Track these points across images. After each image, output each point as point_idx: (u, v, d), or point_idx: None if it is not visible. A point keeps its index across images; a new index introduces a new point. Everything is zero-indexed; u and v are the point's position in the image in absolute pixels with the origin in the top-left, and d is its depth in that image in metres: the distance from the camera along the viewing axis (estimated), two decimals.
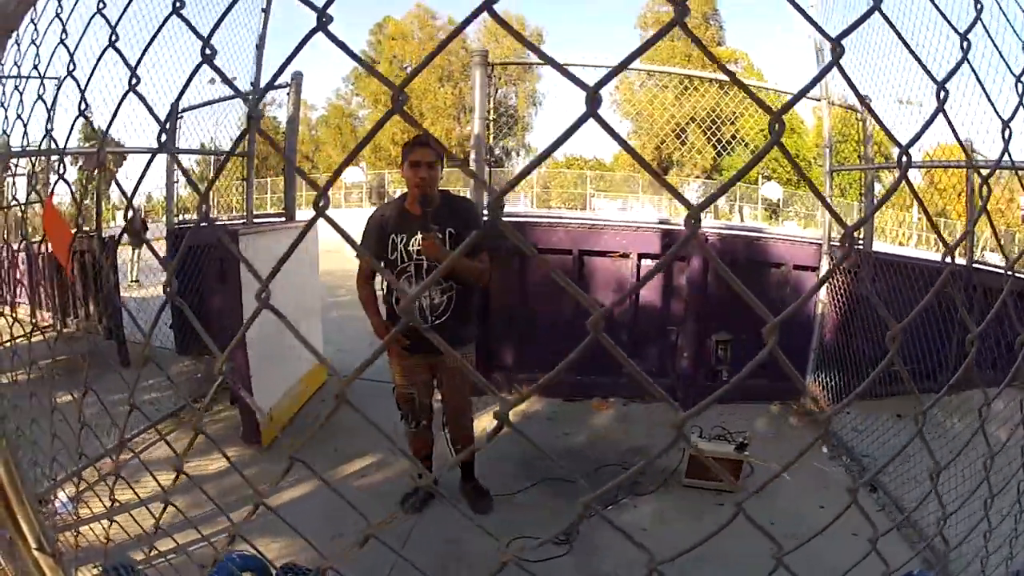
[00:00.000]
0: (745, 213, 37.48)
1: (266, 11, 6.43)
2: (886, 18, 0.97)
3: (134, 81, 1.19)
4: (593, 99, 0.73)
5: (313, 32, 0.79)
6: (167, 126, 6.42)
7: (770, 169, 33.80)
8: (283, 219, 7.05)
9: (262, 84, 6.68)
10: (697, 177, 40.99)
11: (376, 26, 45.60)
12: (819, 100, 6.94)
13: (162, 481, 1.44)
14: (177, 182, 6.83)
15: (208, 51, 0.96)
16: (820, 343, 7.05)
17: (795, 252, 7.18)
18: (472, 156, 6.50)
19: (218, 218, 7.00)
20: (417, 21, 45.03)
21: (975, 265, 6.35)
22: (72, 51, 1.61)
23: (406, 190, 4.08)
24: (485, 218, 4.09)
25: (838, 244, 6.80)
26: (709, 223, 7.69)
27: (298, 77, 6.68)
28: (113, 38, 1.30)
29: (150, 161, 1.31)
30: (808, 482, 5.02)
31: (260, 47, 6.46)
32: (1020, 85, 1.23)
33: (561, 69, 0.78)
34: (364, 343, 6.03)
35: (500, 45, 46.99)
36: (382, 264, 4.01)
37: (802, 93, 0.93)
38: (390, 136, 43.15)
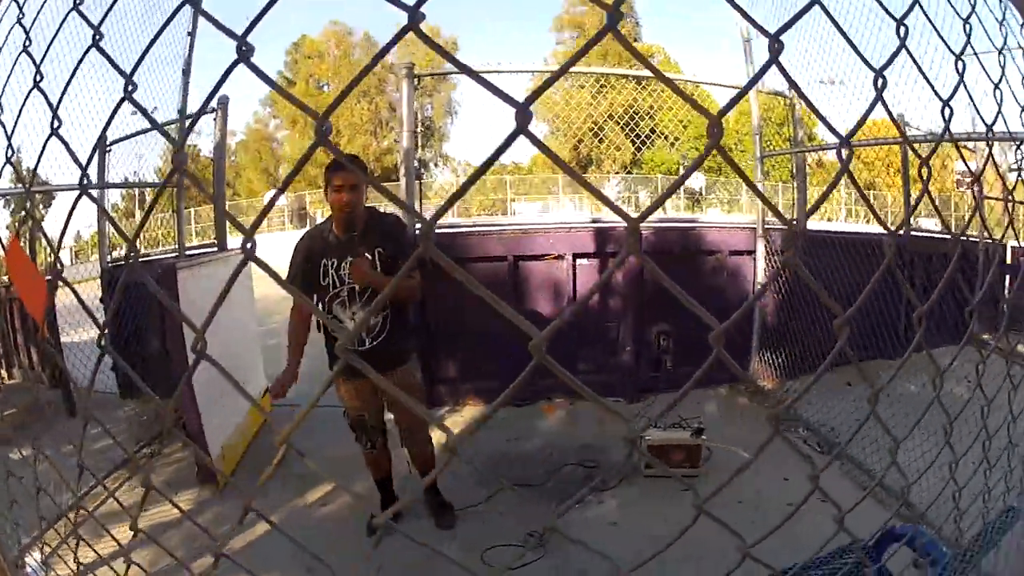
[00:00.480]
0: (667, 204, 37.79)
1: (192, 34, 6.21)
2: (827, 12, 0.98)
3: (56, 124, 1.17)
4: (524, 115, 0.73)
5: (235, 64, 0.79)
6: (93, 160, 6.20)
7: (691, 158, 34.25)
8: (215, 249, 6.81)
9: (189, 110, 6.45)
10: (616, 173, 41.46)
11: (293, 45, 45.00)
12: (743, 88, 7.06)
13: (125, 534, 1.38)
14: (108, 218, 6.60)
15: (130, 87, 0.96)
16: (763, 324, 7.21)
17: (729, 238, 7.34)
18: (402, 171, 6.42)
19: (149, 253, 6.75)
20: (334, 38, 44.65)
21: (913, 234, 6.57)
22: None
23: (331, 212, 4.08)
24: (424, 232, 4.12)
25: (774, 228, 6.96)
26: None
27: (224, 101, 6.46)
28: (38, 78, 1.25)
29: (76, 201, 1.30)
30: (768, 457, 5.05)
31: (187, 72, 6.26)
32: (960, 63, 1.26)
33: (490, 86, 0.79)
34: (306, 369, 6.01)
35: (415, 56, 47.10)
36: (314, 289, 4.00)
37: (739, 96, 0.93)
38: (311, 157, 42.83)
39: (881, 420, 1.17)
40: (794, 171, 7.25)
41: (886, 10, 1.27)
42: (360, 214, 3.97)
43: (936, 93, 1.25)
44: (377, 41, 44.96)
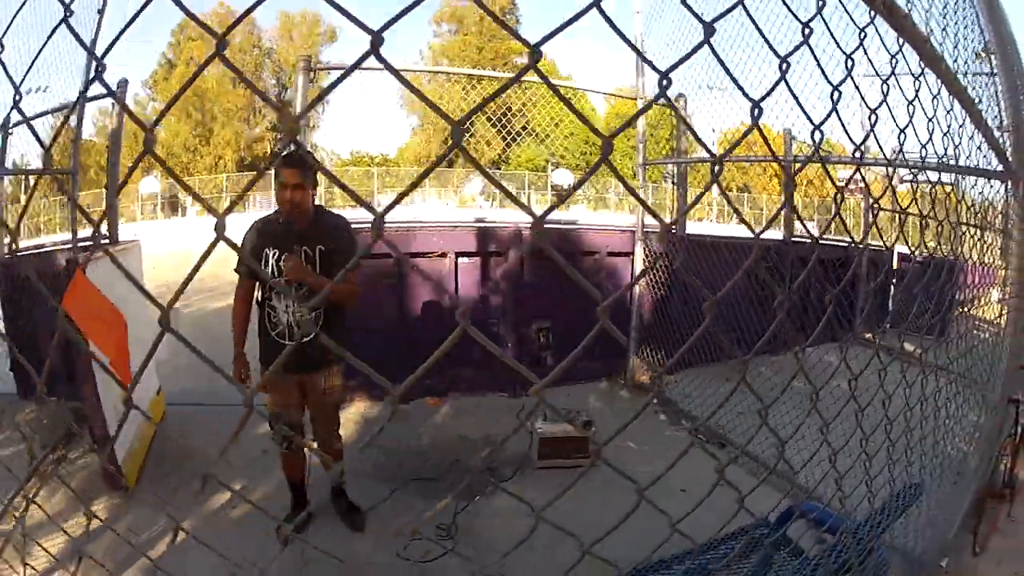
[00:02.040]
0: (533, 200, 38.10)
1: (101, 12, 5.69)
2: (717, 57, 1.16)
3: None
4: (458, 132, 0.86)
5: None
6: None
7: (559, 156, 34.84)
8: (107, 240, 6.04)
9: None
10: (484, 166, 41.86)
11: (178, 27, 43.23)
12: (635, 98, 7.41)
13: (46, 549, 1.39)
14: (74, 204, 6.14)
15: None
16: (640, 322, 7.61)
17: (609, 240, 7.74)
18: None
19: (43, 244, 6.41)
20: (218, 21, 43.16)
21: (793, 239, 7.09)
22: None
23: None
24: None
25: (653, 231, 7.36)
26: (517, 218, 7.97)
27: (123, 85, 6.18)
28: None
29: None
30: (660, 450, 5.48)
31: (92, 53, 5.64)
32: (836, 93, 1.49)
33: (427, 101, 0.91)
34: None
35: (292, 43, 46.26)
36: (258, 281, 4.06)
37: (628, 123, 1.12)
38: (182, 142, 41.31)
39: (751, 386, 1.39)
40: (676, 179, 7.66)
41: (794, 13, 1.49)
42: (306, 211, 3.96)
43: (808, 118, 1.46)
44: (260, 25, 43.94)
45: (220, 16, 42.85)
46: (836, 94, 1.52)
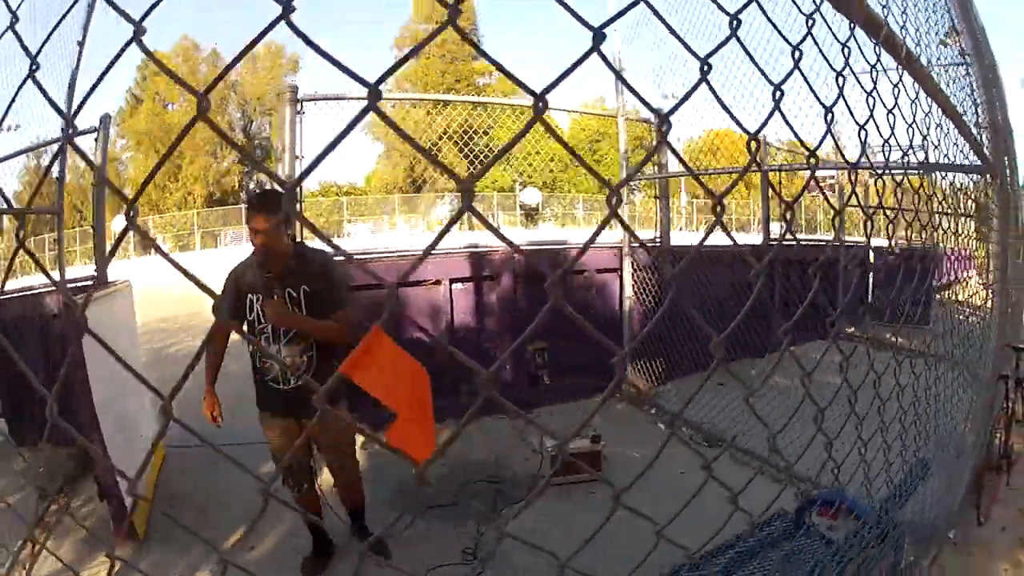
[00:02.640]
0: (501, 219, 38.32)
1: (81, 44, 5.47)
2: (714, 92, 1.19)
3: None
4: (471, 192, 0.86)
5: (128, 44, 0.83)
6: None
7: (526, 176, 35.04)
8: (93, 282, 5.85)
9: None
10: (451, 191, 41.96)
11: (143, 62, 43.04)
12: (610, 115, 7.54)
13: None
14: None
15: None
16: (632, 334, 7.74)
17: (596, 258, 7.86)
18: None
19: (32, 286, 6.15)
20: (182, 54, 42.96)
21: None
22: None
23: None
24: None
25: (639, 246, 7.49)
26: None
27: (106, 120, 5.80)
28: None
29: None
30: (663, 458, 5.47)
31: (72, 86, 5.52)
32: (777, 92, 1.51)
33: (405, 136, 0.89)
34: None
35: (257, 75, 46.17)
36: (242, 322, 3.91)
37: (646, 160, 1.18)
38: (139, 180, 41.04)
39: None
40: (658, 193, 7.81)
41: (783, 36, 1.57)
42: (279, 253, 3.79)
43: (743, 128, 1.41)
44: (224, 57, 43.73)
45: (184, 49, 42.82)
46: (778, 93, 1.46)
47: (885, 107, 2.17)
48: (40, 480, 5.45)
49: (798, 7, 1.71)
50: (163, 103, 42.48)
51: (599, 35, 0.95)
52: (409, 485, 5.37)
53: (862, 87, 1.93)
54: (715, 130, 8.40)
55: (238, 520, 4.82)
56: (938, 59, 3.40)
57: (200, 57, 43.34)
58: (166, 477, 5.66)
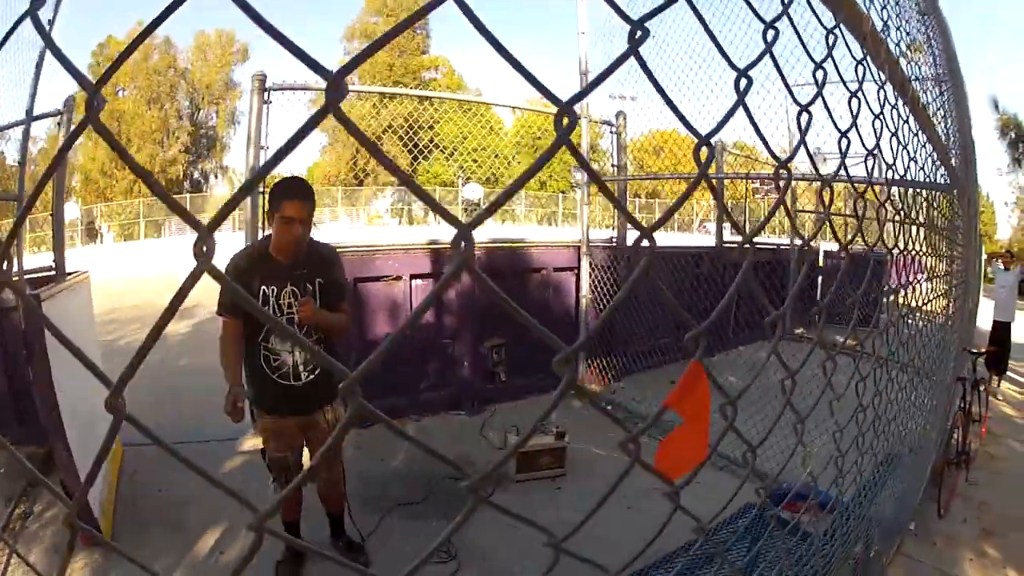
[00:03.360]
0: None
1: (51, 22, 5.08)
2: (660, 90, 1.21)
3: None
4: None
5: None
6: None
7: (469, 171, 35.09)
8: (52, 273, 5.70)
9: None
10: (390, 184, 41.78)
11: (99, 46, 42.02)
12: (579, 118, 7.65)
13: None
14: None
15: None
16: (587, 332, 7.91)
17: (554, 257, 8.03)
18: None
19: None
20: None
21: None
22: None
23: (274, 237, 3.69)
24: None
25: (597, 245, 7.67)
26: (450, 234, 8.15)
27: (70, 103, 5.61)
28: None
29: None
30: (621, 454, 5.65)
31: (39, 66, 5.26)
32: (806, 115, 1.40)
33: (371, 146, 0.74)
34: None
35: (207, 63, 45.45)
36: (247, 318, 3.67)
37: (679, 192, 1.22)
38: (99, 166, 40.18)
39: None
40: (616, 195, 7.98)
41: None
42: (304, 243, 3.68)
43: (696, 132, 1.26)
44: (176, 45, 43.09)
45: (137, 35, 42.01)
46: (806, 115, 1.38)
47: (872, 112, 2.10)
48: (1, 482, 5.23)
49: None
50: (114, 89, 41.49)
51: (644, 29, 0.87)
52: (375, 483, 5.43)
53: (846, 86, 1.79)
54: (659, 131, 8.64)
55: (205, 521, 4.74)
56: (916, 76, 3.47)
57: (153, 44, 42.61)
58: (127, 478, 5.47)
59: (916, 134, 3.11)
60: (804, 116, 1.39)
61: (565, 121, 0.79)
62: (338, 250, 4.08)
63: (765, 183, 11.67)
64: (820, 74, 1.50)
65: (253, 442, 6.14)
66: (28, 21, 0.75)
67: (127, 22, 41.54)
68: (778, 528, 3.47)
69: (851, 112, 1.78)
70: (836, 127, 1.72)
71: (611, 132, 7.85)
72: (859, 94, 1.81)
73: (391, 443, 6.22)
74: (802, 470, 2.85)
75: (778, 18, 1.26)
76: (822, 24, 1.60)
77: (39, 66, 5.23)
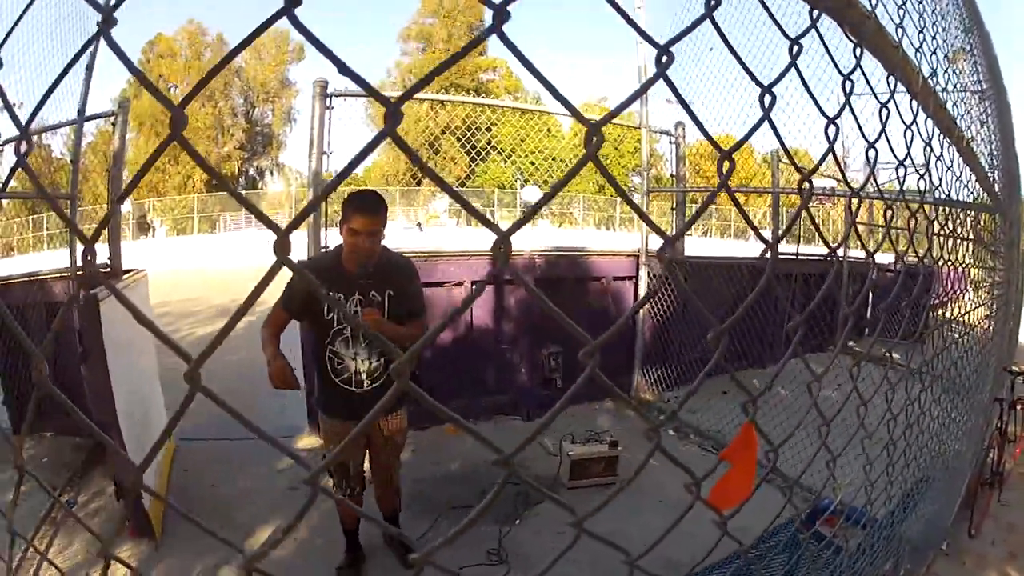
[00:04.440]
0: (498, 218, 38.39)
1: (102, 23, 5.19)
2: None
3: None
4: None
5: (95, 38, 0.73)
6: None
7: (527, 173, 35.20)
8: (107, 271, 5.59)
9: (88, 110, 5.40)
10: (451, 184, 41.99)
11: (148, 43, 42.95)
12: (639, 128, 7.62)
13: None
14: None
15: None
16: (643, 342, 7.84)
17: (613, 266, 7.97)
18: (309, 194, 6.43)
19: (37, 272, 5.98)
20: (187, 37, 42.92)
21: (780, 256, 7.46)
22: None
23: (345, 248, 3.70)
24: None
25: (655, 255, 7.61)
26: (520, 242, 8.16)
27: (126, 105, 5.72)
28: None
29: None
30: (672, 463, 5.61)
31: (90, 68, 5.28)
32: (832, 127, 1.44)
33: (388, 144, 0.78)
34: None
35: (261, 62, 46.12)
36: (315, 322, 3.78)
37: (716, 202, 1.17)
38: (153, 165, 40.89)
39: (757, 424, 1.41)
40: (675, 204, 7.95)
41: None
42: (375, 257, 3.66)
43: (718, 146, 1.23)
44: (229, 43, 43.75)
45: (190, 32, 42.92)
46: (832, 128, 1.40)
47: (903, 122, 1.99)
48: (42, 472, 5.16)
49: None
50: (167, 86, 42.20)
51: (669, 55, 0.91)
52: (428, 487, 5.42)
53: (875, 97, 1.76)
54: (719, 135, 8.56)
55: (256, 519, 4.76)
56: (955, 85, 3.36)
57: (206, 42, 43.38)
58: (179, 474, 5.52)
59: (959, 176, 3.13)
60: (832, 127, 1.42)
61: (595, 138, 0.83)
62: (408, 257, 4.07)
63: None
64: (884, 113, 1.63)
65: (307, 441, 6.24)
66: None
67: (179, 19, 42.19)
68: (813, 543, 3.51)
69: (906, 144, 1.94)
70: (894, 154, 1.90)
71: (671, 143, 7.78)
72: (912, 128, 1.96)
73: (447, 447, 6.23)
74: (841, 490, 2.82)
75: (803, 34, 1.29)
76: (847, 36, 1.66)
77: (90, 68, 5.28)
